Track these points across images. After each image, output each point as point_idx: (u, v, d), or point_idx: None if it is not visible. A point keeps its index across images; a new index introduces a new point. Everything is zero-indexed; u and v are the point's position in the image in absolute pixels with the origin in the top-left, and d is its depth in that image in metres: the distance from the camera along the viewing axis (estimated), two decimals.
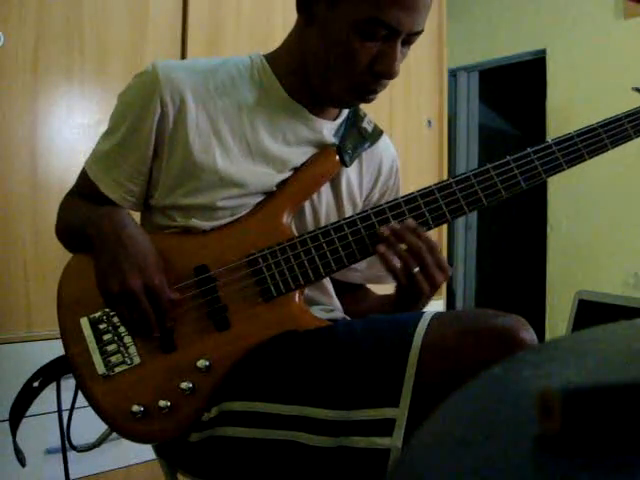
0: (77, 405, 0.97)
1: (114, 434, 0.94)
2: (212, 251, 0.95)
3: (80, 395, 0.93)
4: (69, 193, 1.07)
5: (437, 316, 0.83)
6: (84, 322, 0.92)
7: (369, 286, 1.19)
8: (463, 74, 3.93)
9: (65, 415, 1.00)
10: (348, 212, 1.05)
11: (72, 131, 1.68)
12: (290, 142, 0.99)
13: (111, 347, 0.91)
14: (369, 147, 1.07)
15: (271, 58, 1.01)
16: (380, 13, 0.84)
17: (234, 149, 0.95)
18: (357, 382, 0.81)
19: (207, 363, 0.90)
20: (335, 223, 0.96)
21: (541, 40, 3.43)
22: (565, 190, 3.22)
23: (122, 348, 0.91)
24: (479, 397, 0.41)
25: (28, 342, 1.58)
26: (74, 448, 1.00)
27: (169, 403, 0.88)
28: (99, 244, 0.91)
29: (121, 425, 0.90)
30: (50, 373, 0.98)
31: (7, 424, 0.97)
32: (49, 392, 0.99)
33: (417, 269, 0.90)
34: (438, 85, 2.59)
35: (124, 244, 0.90)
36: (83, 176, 1.03)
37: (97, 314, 0.92)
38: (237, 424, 0.86)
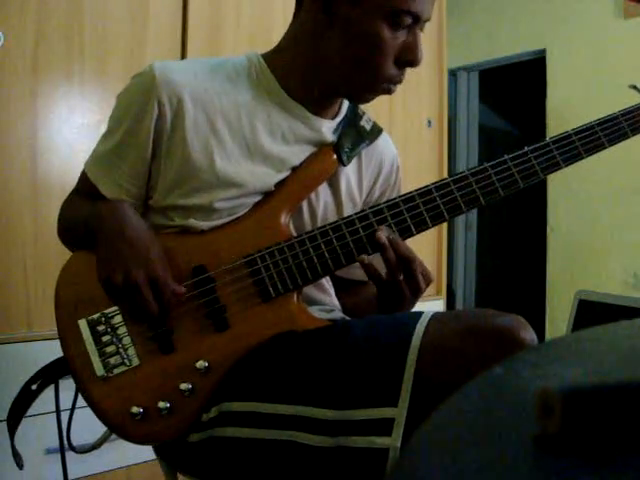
0: (77, 405, 0.97)
1: (114, 435, 0.94)
2: (210, 251, 0.94)
3: (80, 395, 0.93)
4: (71, 194, 1.07)
5: (436, 316, 0.83)
6: (82, 324, 0.92)
7: None
8: (463, 74, 3.93)
9: (64, 415, 1.00)
10: (347, 211, 1.05)
11: (72, 131, 1.68)
12: (289, 141, 0.99)
13: (110, 349, 0.91)
14: (368, 145, 1.07)
15: (268, 57, 1.01)
16: (405, 3, 0.89)
17: (233, 149, 0.95)
18: (356, 382, 0.81)
19: (206, 364, 0.89)
20: (333, 223, 0.96)
21: (541, 40, 3.43)
22: (565, 190, 3.22)
23: (121, 349, 0.91)
24: (479, 397, 0.41)
25: (28, 342, 1.58)
26: (74, 449, 1.00)
27: (168, 404, 0.88)
28: (102, 236, 0.91)
29: (121, 427, 0.90)
30: (48, 375, 0.98)
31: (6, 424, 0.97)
32: (49, 391, 0.99)
33: (401, 277, 0.92)
34: (438, 85, 2.59)
35: (128, 236, 0.90)
36: (83, 177, 1.03)
37: (95, 316, 0.92)
38: (236, 424, 0.86)
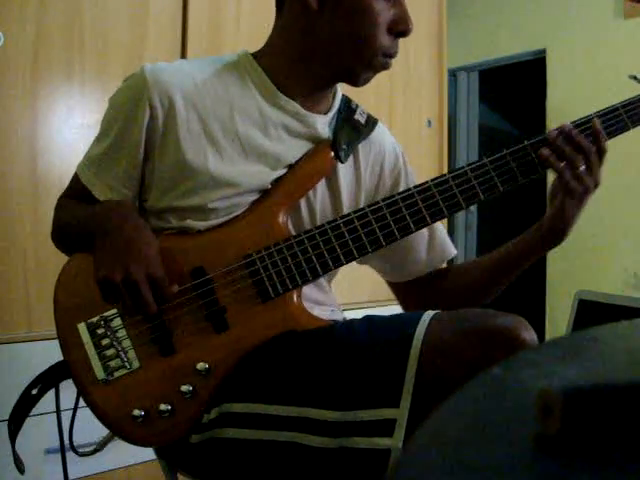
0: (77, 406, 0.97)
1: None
2: (209, 252, 0.94)
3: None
4: (62, 197, 1.07)
5: (437, 316, 0.83)
6: (82, 327, 0.92)
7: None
8: (463, 74, 3.93)
9: (64, 416, 0.99)
10: (346, 208, 1.04)
11: (72, 131, 1.68)
12: (283, 138, 0.98)
13: (110, 352, 0.91)
14: (365, 138, 1.06)
15: (259, 55, 1.01)
16: None
17: (227, 148, 0.95)
18: (357, 383, 0.81)
19: (206, 365, 0.89)
20: (332, 222, 0.95)
21: (541, 40, 3.43)
22: None
23: (121, 352, 0.91)
24: (479, 397, 0.41)
25: (28, 342, 1.57)
26: (76, 452, 1.00)
27: (170, 407, 0.88)
28: (101, 235, 0.91)
29: (122, 429, 0.90)
30: (48, 380, 0.98)
31: (6, 424, 0.97)
32: (49, 391, 0.99)
33: (583, 168, 0.95)
34: (438, 85, 2.59)
35: (126, 235, 0.89)
36: (76, 180, 1.02)
37: (95, 319, 0.92)
38: (237, 425, 0.86)
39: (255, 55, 1.01)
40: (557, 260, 3.32)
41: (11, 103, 1.59)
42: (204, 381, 0.89)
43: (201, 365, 0.89)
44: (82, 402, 0.92)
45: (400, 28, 0.95)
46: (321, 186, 1.02)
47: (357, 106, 1.08)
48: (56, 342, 0.94)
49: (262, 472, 0.86)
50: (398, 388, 0.77)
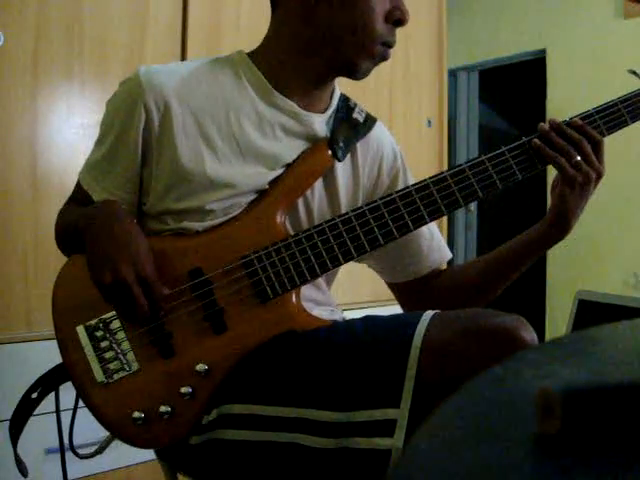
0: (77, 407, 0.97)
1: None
2: (206, 253, 0.94)
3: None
4: (66, 203, 1.07)
5: (437, 316, 0.83)
6: (80, 330, 0.92)
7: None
8: (463, 74, 3.93)
9: (65, 416, 0.99)
10: (344, 207, 1.04)
11: (72, 131, 1.68)
12: (280, 137, 0.98)
13: (109, 354, 0.91)
14: (363, 137, 1.06)
15: (255, 55, 1.01)
16: None
17: (224, 150, 0.95)
18: (357, 383, 0.80)
19: (206, 367, 0.89)
20: (330, 221, 0.95)
21: (541, 40, 3.43)
22: None
23: (120, 355, 0.90)
24: (479, 397, 0.41)
25: (28, 342, 1.57)
26: (77, 454, 0.99)
27: (169, 408, 0.88)
28: (91, 236, 0.91)
29: (123, 431, 0.89)
30: (48, 383, 0.97)
31: (7, 424, 0.97)
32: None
33: (579, 158, 0.95)
34: (438, 85, 2.59)
35: (115, 235, 0.89)
36: (78, 185, 1.03)
37: (93, 321, 0.92)
38: (237, 427, 0.86)
39: (250, 54, 1.01)
40: (557, 260, 3.32)
41: (11, 103, 1.59)
42: (204, 382, 0.89)
43: (200, 366, 0.89)
44: (82, 403, 0.92)
45: (396, 16, 0.95)
46: (319, 185, 1.02)
47: (355, 105, 1.08)
48: (56, 342, 0.94)
49: (262, 473, 0.86)
50: (398, 388, 0.77)
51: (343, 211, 1.01)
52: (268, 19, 1.02)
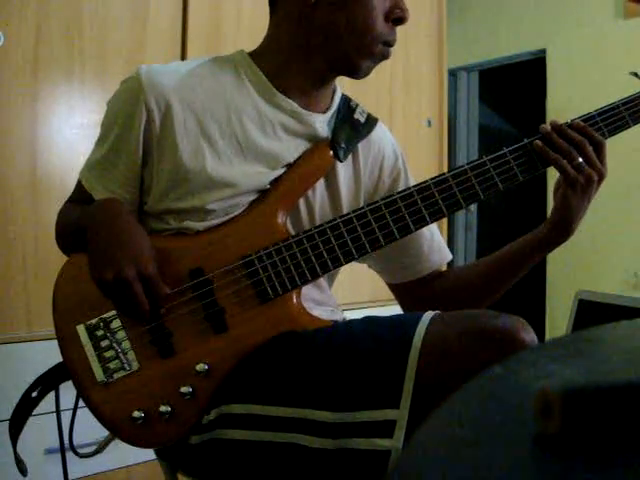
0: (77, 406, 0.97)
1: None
2: (207, 253, 0.94)
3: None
4: (66, 202, 1.07)
5: (437, 317, 0.83)
6: (81, 329, 0.91)
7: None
8: (463, 74, 3.93)
9: (64, 416, 0.99)
10: (346, 207, 1.04)
11: (72, 131, 1.68)
12: (281, 137, 0.98)
13: (109, 353, 0.91)
14: (364, 137, 1.06)
15: (255, 55, 1.01)
16: None
17: (225, 149, 0.95)
18: (357, 384, 0.80)
19: (206, 367, 0.89)
20: (331, 221, 0.95)
21: (541, 40, 3.43)
22: None
23: (120, 354, 0.90)
24: (479, 397, 0.41)
25: (28, 342, 1.57)
26: (77, 453, 0.99)
27: (169, 408, 0.88)
28: (92, 234, 0.91)
29: (122, 431, 0.89)
30: (48, 382, 0.98)
31: (7, 424, 0.97)
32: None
33: (581, 160, 0.95)
34: (438, 85, 2.59)
35: (117, 233, 0.89)
36: (78, 185, 1.03)
37: (94, 321, 0.92)
38: (237, 427, 0.86)
39: (252, 54, 1.01)
40: (557, 260, 3.32)
41: (11, 103, 1.59)
42: (204, 382, 0.89)
43: (201, 366, 0.89)
44: (82, 402, 0.92)
45: (396, 14, 0.96)
46: (320, 186, 1.02)
47: (357, 105, 1.08)
48: (56, 342, 0.94)
49: (262, 473, 0.86)
50: (398, 389, 0.77)
51: (344, 212, 1.01)
52: (268, 19, 1.02)
